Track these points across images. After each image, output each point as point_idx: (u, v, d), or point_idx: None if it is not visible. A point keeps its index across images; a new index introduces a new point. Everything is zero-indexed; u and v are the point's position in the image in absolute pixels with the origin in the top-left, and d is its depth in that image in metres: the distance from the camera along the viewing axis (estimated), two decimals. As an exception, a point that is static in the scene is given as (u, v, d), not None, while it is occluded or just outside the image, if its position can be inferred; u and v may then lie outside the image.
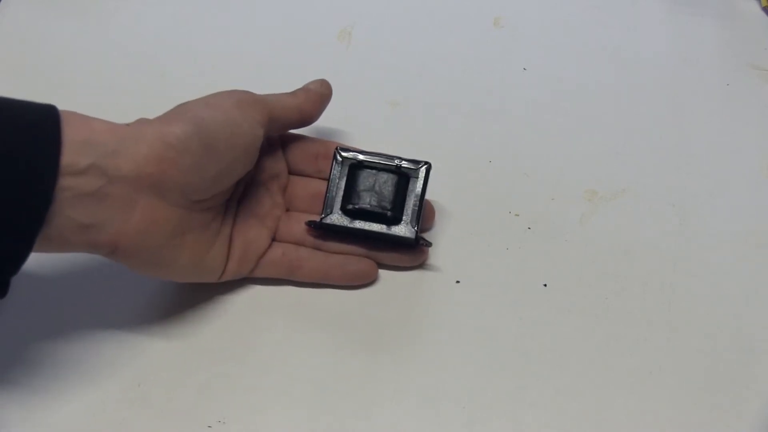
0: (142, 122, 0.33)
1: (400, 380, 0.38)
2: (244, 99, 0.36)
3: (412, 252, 0.40)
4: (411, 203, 0.39)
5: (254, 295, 0.40)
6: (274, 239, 0.40)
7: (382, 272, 0.41)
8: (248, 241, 0.38)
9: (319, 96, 0.40)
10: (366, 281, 0.40)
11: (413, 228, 0.39)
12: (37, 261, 0.40)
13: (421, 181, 0.39)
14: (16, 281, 0.37)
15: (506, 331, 0.39)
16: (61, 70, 0.48)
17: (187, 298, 0.40)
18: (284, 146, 0.41)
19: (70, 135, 0.29)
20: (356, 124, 0.47)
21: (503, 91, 0.49)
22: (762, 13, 0.54)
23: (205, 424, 0.36)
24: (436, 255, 0.42)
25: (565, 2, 0.54)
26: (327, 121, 0.46)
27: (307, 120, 0.40)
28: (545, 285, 0.41)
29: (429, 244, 0.40)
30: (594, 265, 0.42)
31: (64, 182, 0.29)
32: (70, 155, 0.29)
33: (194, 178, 0.33)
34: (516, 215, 0.44)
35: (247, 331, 0.39)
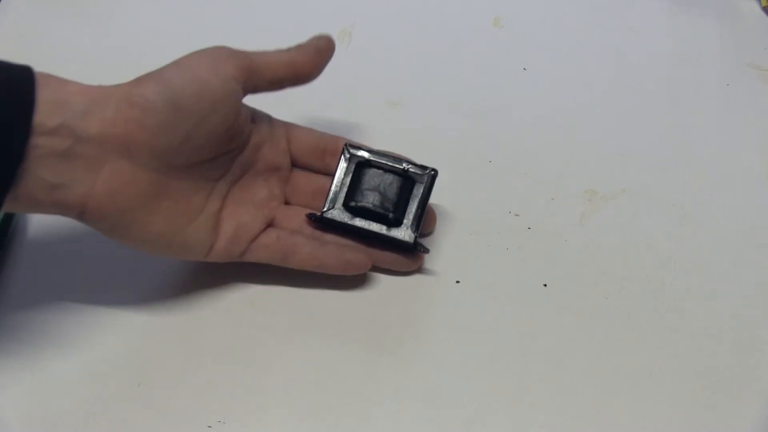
0: (114, 85, 0.33)
1: (400, 380, 0.38)
2: (216, 54, 0.35)
3: (408, 257, 0.40)
4: (413, 208, 0.39)
5: (255, 295, 0.40)
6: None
7: (381, 273, 0.41)
8: (241, 224, 0.38)
9: (314, 49, 0.38)
10: (360, 271, 0.39)
11: (413, 233, 0.39)
12: (40, 260, 0.40)
13: (426, 188, 0.39)
14: (18, 279, 0.37)
15: (506, 331, 0.39)
16: (60, 71, 0.48)
17: (187, 297, 0.40)
18: (290, 139, 0.41)
19: (44, 95, 0.30)
20: (356, 124, 0.47)
21: (503, 91, 0.49)
22: (762, 13, 0.54)
23: (205, 424, 0.36)
24: (436, 255, 0.42)
25: (565, 2, 0.54)
26: (327, 120, 0.46)
27: (302, 76, 0.38)
28: (545, 285, 0.41)
29: (426, 251, 0.40)
30: (594, 265, 0.42)
31: (35, 141, 0.30)
32: (42, 115, 0.30)
33: (163, 138, 0.33)
34: (516, 215, 0.44)
35: (248, 331, 0.39)
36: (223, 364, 0.38)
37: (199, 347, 0.38)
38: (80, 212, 0.32)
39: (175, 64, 0.35)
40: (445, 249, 0.42)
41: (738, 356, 0.39)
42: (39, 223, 0.42)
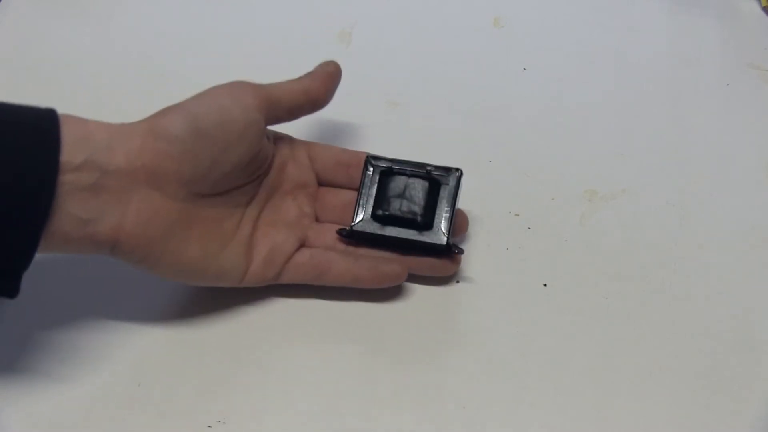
0: (136, 122, 0.34)
1: (399, 380, 0.38)
2: (236, 86, 0.36)
3: (445, 260, 0.39)
4: (443, 210, 0.39)
5: (254, 295, 0.40)
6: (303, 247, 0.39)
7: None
8: (274, 245, 0.38)
9: (325, 74, 0.40)
10: (396, 283, 0.39)
11: (445, 235, 0.38)
12: (45, 262, 0.40)
13: (452, 188, 0.39)
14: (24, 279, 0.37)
15: (506, 331, 0.39)
16: (60, 70, 0.48)
17: (187, 298, 0.40)
18: (312, 156, 0.41)
19: (67, 134, 0.31)
20: (356, 125, 0.47)
21: (503, 91, 0.49)
22: (762, 13, 0.54)
23: (205, 424, 0.36)
24: (436, 255, 0.42)
25: (565, 2, 0.54)
26: (327, 121, 0.46)
27: (317, 101, 0.39)
28: (545, 285, 0.41)
29: (461, 252, 0.39)
30: (594, 265, 0.42)
31: (63, 178, 0.31)
32: (68, 153, 0.31)
33: (189, 166, 0.34)
34: (516, 215, 0.44)
35: (247, 331, 0.39)
36: (223, 364, 0.38)
37: (200, 347, 0.38)
38: (113, 245, 0.33)
39: (196, 96, 0.36)
40: (445, 249, 0.42)
41: (738, 356, 0.39)
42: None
